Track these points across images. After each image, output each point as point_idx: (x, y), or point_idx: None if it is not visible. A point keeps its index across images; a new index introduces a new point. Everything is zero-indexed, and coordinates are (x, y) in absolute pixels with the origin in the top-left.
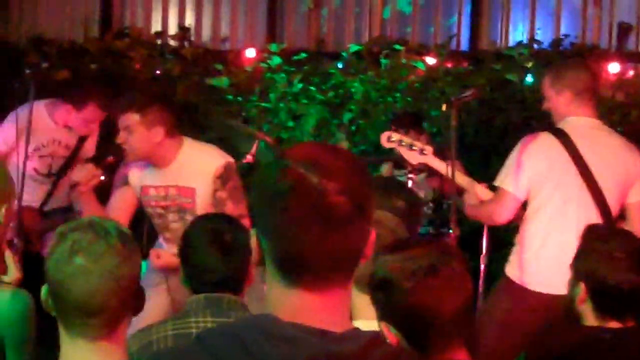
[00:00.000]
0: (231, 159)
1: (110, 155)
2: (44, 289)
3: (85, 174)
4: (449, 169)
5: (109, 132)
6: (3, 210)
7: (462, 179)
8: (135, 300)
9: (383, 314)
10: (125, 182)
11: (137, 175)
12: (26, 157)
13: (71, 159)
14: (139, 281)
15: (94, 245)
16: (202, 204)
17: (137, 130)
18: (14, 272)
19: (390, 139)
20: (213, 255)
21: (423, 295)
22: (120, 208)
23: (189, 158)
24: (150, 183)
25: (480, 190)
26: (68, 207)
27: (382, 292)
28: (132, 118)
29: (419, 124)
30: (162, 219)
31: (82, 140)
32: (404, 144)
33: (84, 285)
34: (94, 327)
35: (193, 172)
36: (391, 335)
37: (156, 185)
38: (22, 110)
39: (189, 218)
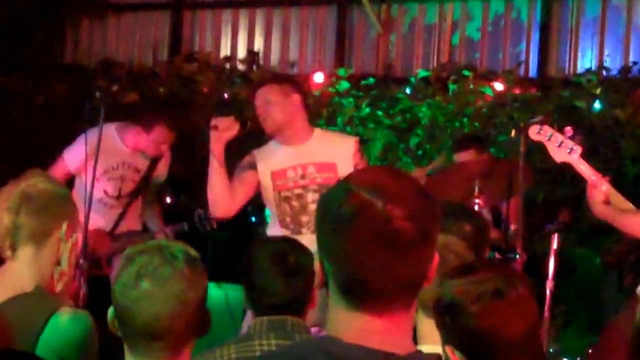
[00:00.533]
0: None
1: (248, 122)
2: (110, 311)
3: (226, 120)
4: (522, 193)
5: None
6: (64, 227)
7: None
8: (200, 323)
9: (448, 338)
10: (253, 168)
11: (265, 162)
12: (93, 178)
13: (143, 182)
14: (204, 304)
15: (159, 269)
16: None
17: (276, 100)
18: (65, 263)
19: (539, 131)
20: (276, 278)
21: (488, 318)
22: (239, 189)
23: (324, 135)
24: (285, 165)
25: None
26: (139, 231)
27: (448, 316)
28: (269, 88)
29: (480, 143)
30: (301, 200)
31: (154, 162)
32: (553, 138)
33: (150, 310)
34: (158, 350)
35: (332, 148)
36: (455, 358)
37: (292, 165)
38: (92, 132)
39: None
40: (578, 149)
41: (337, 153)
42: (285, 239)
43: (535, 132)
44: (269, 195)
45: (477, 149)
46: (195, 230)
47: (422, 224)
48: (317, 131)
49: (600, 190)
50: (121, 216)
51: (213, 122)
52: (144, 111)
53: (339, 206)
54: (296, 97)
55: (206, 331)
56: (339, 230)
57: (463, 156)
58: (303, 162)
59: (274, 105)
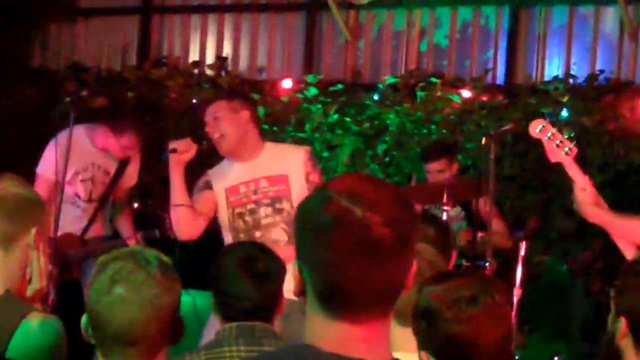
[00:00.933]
0: None
1: (204, 142)
2: (84, 318)
3: (184, 143)
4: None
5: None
6: (33, 232)
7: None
8: (174, 329)
9: (424, 343)
10: (209, 187)
11: (218, 181)
12: (64, 181)
13: (111, 186)
14: (178, 310)
15: (134, 274)
16: (297, 192)
17: (224, 116)
18: (36, 283)
19: (540, 128)
20: (245, 283)
21: (463, 324)
22: (200, 210)
23: (275, 148)
24: (237, 182)
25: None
26: (109, 236)
27: (424, 321)
28: (219, 105)
29: (452, 153)
30: (254, 215)
31: (123, 165)
32: (552, 137)
33: (124, 315)
34: (133, 356)
35: (282, 160)
36: None
37: (245, 180)
38: (61, 135)
39: (287, 205)
40: (574, 151)
41: (288, 165)
42: (254, 244)
43: (537, 130)
44: (223, 214)
45: (448, 158)
46: (165, 236)
47: (401, 231)
48: (268, 145)
49: (588, 193)
50: (91, 220)
51: (171, 145)
52: (114, 116)
53: (317, 214)
54: (245, 114)
55: (179, 338)
56: (317, 238)
57: (434, 165)
58: (255, 177)
59: (223, 121)
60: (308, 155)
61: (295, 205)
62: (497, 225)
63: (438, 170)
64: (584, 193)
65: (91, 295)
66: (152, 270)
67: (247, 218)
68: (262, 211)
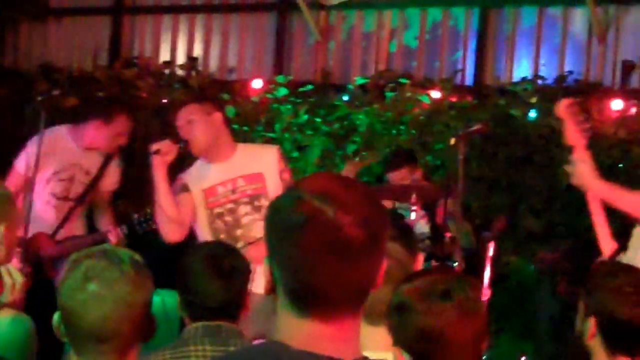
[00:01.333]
0: None
1: (182, 143)
2: (56, 316)
3: (167, 144)
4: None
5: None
6: (2, 229)
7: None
8: (146, 326)
9: (397, 339)
10: (186, 190)
11: (197, 182)
12: (34, 181)
13: (91, 187)
14: (150, 308)
15: (107, 272)
16: (273, 189)
17: (197, 119)
18: (8, 294)
19: (569, 106)
20: (211, 281)
21: (435, 318)
22: (182, 213)
23: (247, 148)
24: (215, 182)
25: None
26: (85, 234)
27: (397, 315)
28: (191, 108)
29: (414, 161)
30: (234, 214)
31: (104, 165)
32: (577, 120)
33: (97, 312)
34: (105, 353)
35: (256, 159)
36: None
37: (222, 181)
38: (49, 133)
39: (265, 203)
40: (589, 134)
41: (262, 163)
42: (219, 243)
43: (565, 107)
44: (201, 215)
45: (410, 166)
46: (134, 233)
47: (372, 230)
48: (240, 146)
49: (589, 165)
50: (66, 219)
51: (155, 146)
52: (103, 105)
53: (289, 214)
54: (217, 115)
55: (152, 335)
56: (289, 237)
57: (396, 175)
58: (232, 177)
59: (197, 124)
60: (279, 154)
61: None
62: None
63: (399, 179)
64: (586, 165)
65: (63, 292)
66: (125, 267)
67: (227, 218)
68: (242, 209)
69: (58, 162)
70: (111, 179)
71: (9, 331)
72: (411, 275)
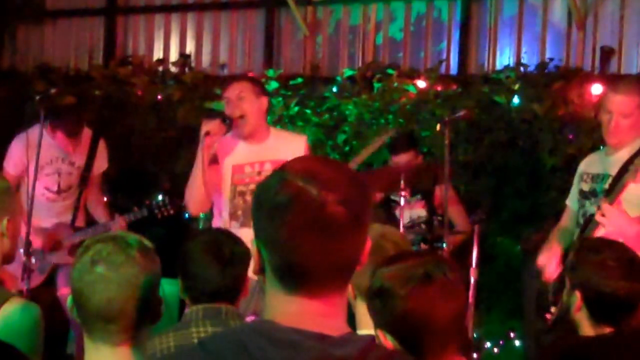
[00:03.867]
0: None
1: (227, 122)
2: (69, 298)
3: (215, 125)
4: (446, 186)
5: None
6: (5, 222)
7: None
8: (153, 308)
9: (379, 322)
10: (215, 162)
11: (226, 156)
12: (36, 176)
13: (82, 178)
14: (157, 290)
15: (113, 255)
16: None
17: (249, 97)
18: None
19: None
20: (212, 267)
21: (417, 301)
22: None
23: (279, 134)
24: (244, 161)
25: None
26: (93, 222)
27: (378, 300)
28: (244, 86)
29: (418, 145)
30: None
31: (91, 158)
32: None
33: (104, 293)
34: (113, 332)
35: (286, 146)
36: (387, 343)
37: (251, 161)
38: (31, 132)
39: None
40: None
41: (290, 151)
42: (219, 230)
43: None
44: (225, 188)
45: (415, 150)
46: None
47: (354, 209)
48: (273, 130)
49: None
50: (76, 209)
51: (205, 127)
52: (50, 116)
53: (274, 194)
54: (264, 100)
55: (159, 317)
56: (274, 216)
57: (402, 158)
58: (261, 160)
59: (246, 103)
60: (306, 144)
61: None
62: (457, 211)
63: (406, 162)
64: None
65: (74, 274)
66: (132, 252)
67: (248, 197)
68: None
69: (41, 157)
70: (100, 162)
71: (18, 319)
72: (389, 259)
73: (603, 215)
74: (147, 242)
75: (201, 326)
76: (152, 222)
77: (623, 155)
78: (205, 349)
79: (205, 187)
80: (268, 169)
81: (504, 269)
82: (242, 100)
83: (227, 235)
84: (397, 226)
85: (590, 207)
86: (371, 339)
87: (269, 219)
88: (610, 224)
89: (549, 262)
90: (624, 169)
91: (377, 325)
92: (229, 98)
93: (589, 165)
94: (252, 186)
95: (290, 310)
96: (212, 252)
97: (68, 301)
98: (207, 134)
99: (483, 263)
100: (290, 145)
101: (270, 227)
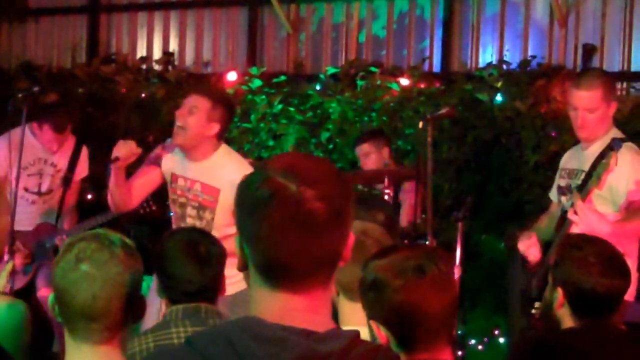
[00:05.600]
0: None
1: (151, 135)
2: (51, 297)
3: (127, 151)
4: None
5: None
6: None
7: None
8: (136, 307)
9: (372, 313)
10: (158, 164)
11: (170, 163)
12: (18, 176)
13: (64, 181)
14: (140, 289)
15: (98, 253)
16: (222, 209)
17: (199, 115)
18: (2, 283)
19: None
20: (189, 266)
21: (410, 293)
22: (142, 185)
23: (221, 160)
24: (180, 173)
25: None
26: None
27: (371, 292)
28: (203, 101)
29: (379, 137)
30: (182, 209)
31: (73, 161)
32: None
33: (88, 291)
34: (96, 331)
35: (221, 175)
36: (381, 334)
37: (185, 176)
38: (14, 132)
39: (208, 216)
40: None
41: (224, 180)
42: (194, 229)
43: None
44: (169, 191)
45: (374, 140)
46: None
47: (334, 204)
48: (220, 151)
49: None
50: (60, 210)
51: (115, 153)
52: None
53: (255, 190)
54: (215, 127)
55: (142, 316)
56: (255, 212)
57: (361, 149)
58: (193, 178)
59: (193, 118)
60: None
61: (217, 219)
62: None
63: (364, 153)
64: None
65: (57, 273)
66: (116, 250)
67: (177, 209)
68: (189, 210)
69: (24, 158)
70: (81, 168)
71: (5, 317)
72: (381, 252)
73: (575, 213)
74: (128, 241)
75: (181, 326)
76: (137, 220)
77: (595, 149)
78: (193, 347)
79: (125, 197)
80: (197, 189)
81: (488, 266)
82: (192, 115)
83: (202, 234)
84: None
85: (567, 203)
86: (356, 334)
87: (249, 215)
88: (582, 222)
89: (529, 247)
90: (596, 164)
91: (370, 316)
92: (182, 105)
93: (566, 160)
94: (182, 199)
95: (274, 306)
96: (190, 252)
97: (49, 300)
98: (116, 159)
99: (467, 260)
100: (225, 174)
101: (251, 223)
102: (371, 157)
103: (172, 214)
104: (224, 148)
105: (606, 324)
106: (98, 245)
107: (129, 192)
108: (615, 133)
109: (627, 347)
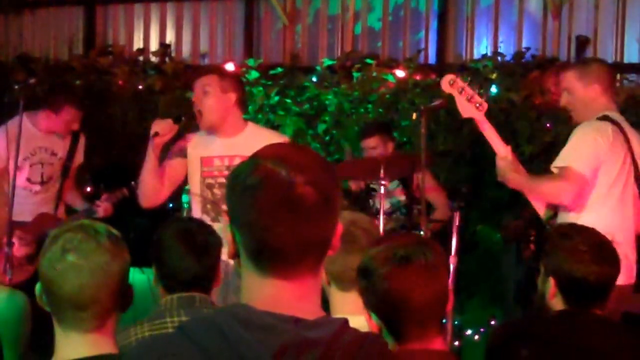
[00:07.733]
0: None
1: (183, 118)
2: (37, 286)
3: (165, 126)
4: (422, 174)
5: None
6: None
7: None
8: (123, 296)
9: (365, 301)
10: (182, 155)
11: (197, 148)
12: (16, 167)
13: (64, 168)
14: (127, 279)
15: (84, 243)
16: None
17: (213, 92)
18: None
19: (451, 82)
20: (185, 256)
21: (395, 281)
22: (170, 177)
23: (256, 131)
24: (213, 154)
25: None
26: (81, 210)
27: (364, 279)
28: (210, 78)
29: (387, 131)
30: (223, 189)
31: (73, 148)
32: (463, 92)
33: (75, 280)
34: (84, 320)
35: (260, 144)
36: (372, 323)
37: (221, 155)
38: (11, 124)
39: None
40: (485, 106)
41: None
42: (191, 219)
43: (448, 84)
44: (194, 181)
45: (382, 135)
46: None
47: (323, 190)
48: (250, 126)
49: (508, 161)
50: (59, 199)
51: (154, 128)
52: (51, 96)
53: (246, 177)
54: (232, 96)
55: (129, 305)
56: (246, 198)
57: (368, 142)
58: (231, 154)
59: (210, 97)
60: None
61: None
62: (438, 198)
63: (371, 147)
64: (504, 162)
65: (44, 264)
66: (102, 239)
67: (216, 190)
68: None
69: (24, 148)
70: (79, 155)
71: (5, 307)
72: (378, 240)
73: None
74: (114, 231)
75: (176, 315)
76: (135, 212)
77: None
78: (185, 333)
79: (157, 183)
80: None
81: (484, 256)
82: (206, 95)
83: (198, 225)
84: (376, 214)
85: None
86: (344, 321)
87: (240, 201)
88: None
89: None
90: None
91: (364, 304)
92: (195, 91)
93: None
94: (221, 180)
95: (264, 293)
96: (187, 241)
97: (37, 289)
98: (156, 134)
99: (463, 251)
100: (262, 139)
101: (242, 208)
102: (377, 150)
103: (186, 206)
104: (252, 124)
105: (587, 311)
106: (84, 236)
107: (162, 180)
108: None
109: (601, 334)
